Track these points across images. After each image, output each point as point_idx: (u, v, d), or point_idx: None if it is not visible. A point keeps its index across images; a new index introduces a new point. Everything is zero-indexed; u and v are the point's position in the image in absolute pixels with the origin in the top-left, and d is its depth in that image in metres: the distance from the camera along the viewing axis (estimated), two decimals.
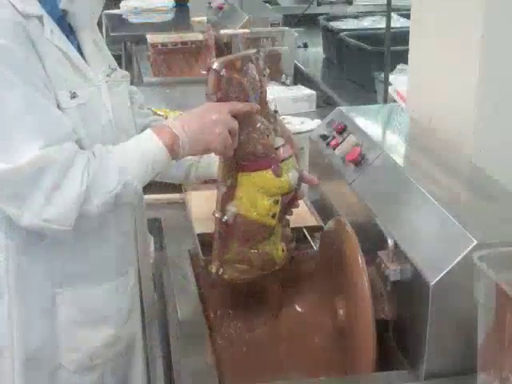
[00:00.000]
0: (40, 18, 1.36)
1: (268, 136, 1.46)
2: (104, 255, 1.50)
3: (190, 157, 1.58)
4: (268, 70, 1.52)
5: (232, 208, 1.45)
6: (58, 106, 1.36)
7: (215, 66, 1.38)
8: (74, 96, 1.39)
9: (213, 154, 1.52)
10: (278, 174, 1.46)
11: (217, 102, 1.41)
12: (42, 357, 1.50)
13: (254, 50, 1.48)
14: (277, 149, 1.48)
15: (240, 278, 1.51)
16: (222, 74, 1.38)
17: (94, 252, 1.48)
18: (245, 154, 1.45)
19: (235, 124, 1.42)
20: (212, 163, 1.64)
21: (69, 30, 1.45)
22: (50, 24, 1.37)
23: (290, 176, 1.49)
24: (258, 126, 1.45)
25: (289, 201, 1.52)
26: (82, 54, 1.46)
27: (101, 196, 1.34)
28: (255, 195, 1.46)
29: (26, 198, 1.30)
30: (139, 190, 1.41)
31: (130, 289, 1.57)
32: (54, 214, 1.31)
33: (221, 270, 1.48)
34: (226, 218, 1.45)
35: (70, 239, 1.39)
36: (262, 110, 1.48)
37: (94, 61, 1.49)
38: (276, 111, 1.55)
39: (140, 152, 1.39)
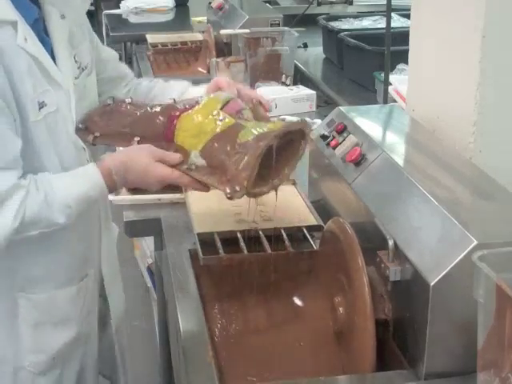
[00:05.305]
0: (14, 24, 1.34)
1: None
2: (66, 260, 1.53)
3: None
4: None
5: (194, 157, 1.45)
6: (27, 120, 1.36)
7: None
8: (42, 106, 1.38)
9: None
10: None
11: None
12: (3, 360, 1.52)
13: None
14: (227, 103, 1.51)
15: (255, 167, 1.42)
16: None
17: (55, 257, 1.50)
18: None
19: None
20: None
21: (44, 32, 1.44)
22: (24, 30, 1.35)
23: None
24: None
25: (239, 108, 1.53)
26: (53, 56, 1.45)
27: (42, 228, 1.38)
28: (193, 130, 1.47)
29: None
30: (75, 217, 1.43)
31: (90, 290, 1.60)
32: None
33: (235, 188, 1.42)
34: (194, 164, 1.45)
35: (32, 245, 1.42)
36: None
37: (65, 63, 1.47)
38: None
39: (85, 189, 1.42)
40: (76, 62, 1.52)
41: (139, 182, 1.47)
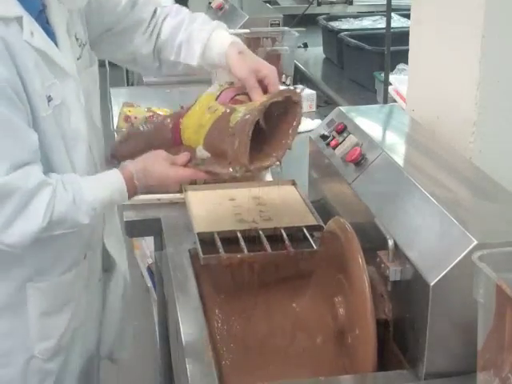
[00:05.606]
0: (19, 20, 1.33)
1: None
2: (71, 244, 1.54)
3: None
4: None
5: (198, 152, 1.49)
6: (37, 115, 1.36)
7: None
8: (49, 99, 1.39)
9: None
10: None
11: None
12: (13, 350, 1.53)
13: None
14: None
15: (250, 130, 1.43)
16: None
17: (61, 245, 1.51)
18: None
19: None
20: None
21: (46, 23, 1.44)
22: (29, 24, 1.35)
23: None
24: None
25: (237, 93, 1.55)
26: (56, 42, 1.45)
27: (67, 228, 1.41)
28: (193, 127, 1.52)
29: None
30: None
31: (86, 271, 1.61)
32: (10, 240, 1.35)
33: (236, 169, 1.45)
34: (200, 159, 1.49)
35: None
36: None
37: (67, 48, 1.47)
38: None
39: (109, 193, 1.46)
40: (77, 39, 1.53)
41: (159, 186, 1.53)
